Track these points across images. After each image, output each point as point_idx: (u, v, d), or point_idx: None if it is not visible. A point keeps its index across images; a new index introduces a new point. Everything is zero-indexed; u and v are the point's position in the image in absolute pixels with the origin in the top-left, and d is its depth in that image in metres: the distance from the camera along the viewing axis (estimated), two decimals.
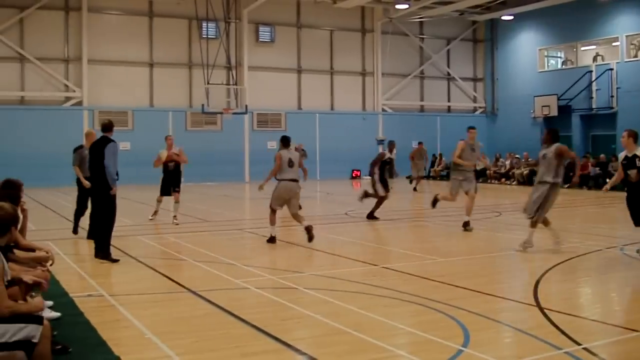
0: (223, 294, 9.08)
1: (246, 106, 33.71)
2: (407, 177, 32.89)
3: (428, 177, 36.90)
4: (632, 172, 11.88)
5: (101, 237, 11.80)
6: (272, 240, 13.64)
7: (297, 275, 10.61)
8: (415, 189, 29.42)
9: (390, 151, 18.60)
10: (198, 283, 9.77)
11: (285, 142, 14.07)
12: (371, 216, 18.02)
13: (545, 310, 8.03)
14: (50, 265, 7.54)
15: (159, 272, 10.78)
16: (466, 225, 15.71)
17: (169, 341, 6.91)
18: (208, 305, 8.49)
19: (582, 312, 8.54)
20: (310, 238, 13.48)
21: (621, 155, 12.24)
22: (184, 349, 6.69)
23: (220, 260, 11.70)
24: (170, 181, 17.42)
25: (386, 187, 18.13)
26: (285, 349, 6.72)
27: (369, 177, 18.80)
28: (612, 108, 34.37)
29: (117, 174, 11.68)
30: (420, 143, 31.89)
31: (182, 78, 34.94)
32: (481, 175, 36.63)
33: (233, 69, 34.80)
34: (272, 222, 13.75)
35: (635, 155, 11.86)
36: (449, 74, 42.01)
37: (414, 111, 41.15)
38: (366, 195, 18.25)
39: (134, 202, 22.80)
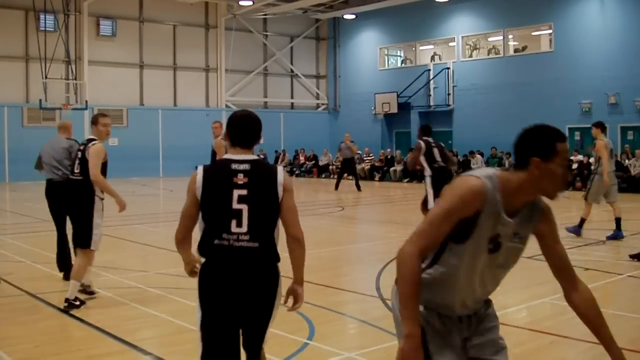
0: (63, 296, 8.77)
1: (86, 101, 32.64)
2: None
3: None
4: None
5: None
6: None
7: (142, 274, 10.46)
8: None
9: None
10: (36, 285, 9.42)
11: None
12: None
13: (387, 301, 8.29)
14: None
15: None
16: None
17: (8, 347, 6.64)
18: (48, 308, 8.23)
19: None
20: None
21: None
22: (25, 354, 6.47)
23: None
24: None
25: None
26: (130, 349, 6.62)
27: None
28: (449, 105, 35.78)
29: None
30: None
31: (18, 72, 33.40)
32: (324, 170, 37.35)
33: (73, 63, 33.65)
34: None
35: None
36: (292, 70, 42.39)
37: (258, 107, 41.25)
38: None
39: None
